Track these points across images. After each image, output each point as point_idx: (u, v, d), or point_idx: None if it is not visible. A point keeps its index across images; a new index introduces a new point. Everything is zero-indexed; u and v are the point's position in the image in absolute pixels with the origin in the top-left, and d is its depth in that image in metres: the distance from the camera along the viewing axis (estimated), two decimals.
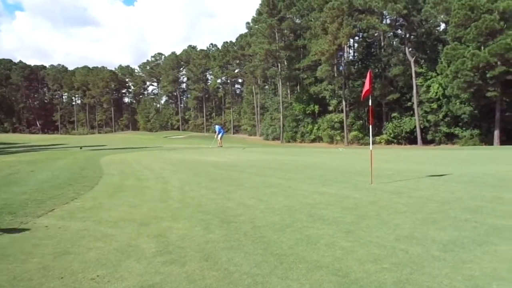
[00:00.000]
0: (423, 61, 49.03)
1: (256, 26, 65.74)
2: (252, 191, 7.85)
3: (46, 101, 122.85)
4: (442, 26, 51.02)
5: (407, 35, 49.94)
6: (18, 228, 5.02)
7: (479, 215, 5.41)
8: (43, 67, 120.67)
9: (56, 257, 3.88)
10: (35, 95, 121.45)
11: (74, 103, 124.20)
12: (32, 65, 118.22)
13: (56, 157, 17.44)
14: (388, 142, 49.42)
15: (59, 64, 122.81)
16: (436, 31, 51.06)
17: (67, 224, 5.18)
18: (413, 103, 46.68)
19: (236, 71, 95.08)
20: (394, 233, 4.62)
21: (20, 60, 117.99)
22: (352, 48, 62.90)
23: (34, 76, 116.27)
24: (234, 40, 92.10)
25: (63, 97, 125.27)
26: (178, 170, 12.22)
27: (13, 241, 4.46)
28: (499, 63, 36.17)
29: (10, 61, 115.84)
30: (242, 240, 4.42)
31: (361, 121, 53.67)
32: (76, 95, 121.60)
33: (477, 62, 36.16)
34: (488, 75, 36.67)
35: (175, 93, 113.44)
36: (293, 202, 6.65)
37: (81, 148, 27.44)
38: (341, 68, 56.26)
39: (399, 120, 49.89)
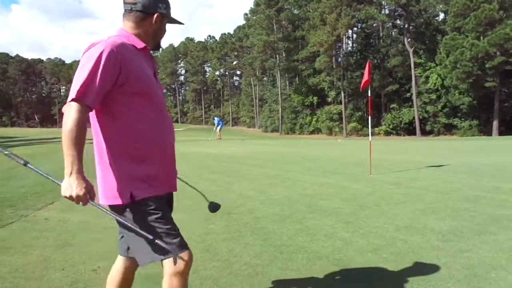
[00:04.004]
0: (422, 51, 48.89)
1: (254, 18, 65.46)
2: (252, 182, 7.88)
3: (44, 94, 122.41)
4: (441, 16, 50.88)
5: (406, 26, 49.74)
6: (18, 221, 5.03)
7: (478, 204, 5.43)
8: (40, 60, 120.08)
9: (57, 249, 3.90)
10: (33, 89, 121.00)
11: None
12: (29, 58, 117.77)
13: (55, 150, 17.43)
14: (387, 133, 49.46)
15: (56, 58, 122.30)
16: (435, 21, 50.85)
17: (67, 217, 5.20)
18: (412, 94, 46.63)
19: (235, 63, 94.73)
20: (394, 223, 4.64)
21: (17, 54, 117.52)
22: (351, 39, 62.70)
23: (31, 69, 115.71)
24: (232, 32, 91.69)
25: (61, 90, 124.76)
26: (177, 162, 12.16)
27: (13, 234, 4.47)
28: (498, 53, 36.10)
29: (7, 55, 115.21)
30: (242, 231, 4.44)
31: (360, 113, 53.64)
32: None
33: (476, 52, 36.08)
34: (487, 66, 36.62)
35: (173, 86, 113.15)
36: (292, 193, 6.67)
37: None
38: (339, 59, 56.09)
39: (398, 111, 49.87)
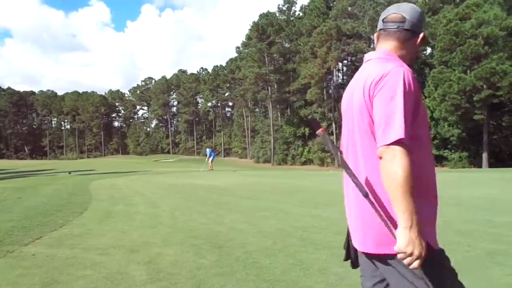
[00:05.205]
0: None
1: (246, 50, 66.66)
2: (244, 215, 7.79)
3: (34, 126, 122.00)
4: (429, 50, 52.15)
5: None
6: (4, 257, 4.89)
7: (471, 238, 5.40)
8: (32, 92, 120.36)
9: (44, 287, 3.78)
10: (24, 121, 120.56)
11: (63, 128, 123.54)
12: (21, 91, 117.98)
13: (44, 183, 17.21)
14: None
15: (48, 90, 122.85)
16: (423, 55, 52.11)
17: (55, 252, 5.07)
18: None
19: (227, 94, 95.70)
20: None
21: (8, 87, 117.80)
22: (341, 71, 63.90)
23: (23, 102, 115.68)
24: (224, 64, 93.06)
25: (52, 122, 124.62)
26: (169, 194, 12.11)
27: None
28: (485, 86, 36.89)
29: None
30: (234, 266, 4.36)
31: None
32: (66, 120, 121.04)
33: (463, 85, 36.84)
34: (474, 99, 37.33)
35: (165, 117, 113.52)
36: (285, 225, 6.60)
37: (70, 173, 27.14)
38: (330, 91, 56.97)
39: None
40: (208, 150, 33.30)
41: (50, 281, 3.95)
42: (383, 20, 1.79)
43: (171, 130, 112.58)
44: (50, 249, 5.24)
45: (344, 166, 1.63)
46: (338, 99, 55.63)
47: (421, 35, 1.76)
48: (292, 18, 64.83)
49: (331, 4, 57.40)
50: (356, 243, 1.73)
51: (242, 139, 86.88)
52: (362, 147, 1.66)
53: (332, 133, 53.83)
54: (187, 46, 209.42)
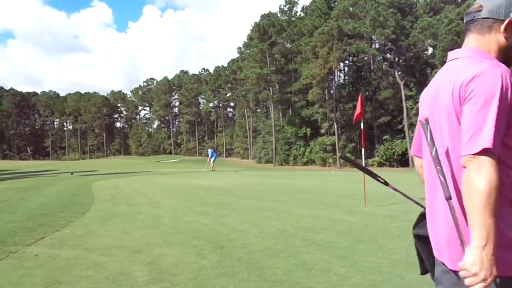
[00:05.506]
0: (412, 84, 49.72)
1: (247, 51, 66.61)
2: (246, 215, 7.80)
3: (37, 127, 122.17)
4: (430, 50, 52.08)
5: (396, 59, 50.81)
6: (6, 257, 4.91)
7: None
8: (35, 93, 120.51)
9: None
10: (26, 122, 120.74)
11: (65, 128, 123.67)
12: (24, 91, 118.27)
13: (46, 184, 17.25)
14: (381, 164, 49.59)
15: (50, 91, 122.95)
16: (424, 55, 52.00)
17: (57, 253, 5.08)
18: (403, 125, 47.12)
19: (228, 95, 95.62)
20: (390, 257, 4.58)
21: (11, 87, 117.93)
22: (343, 71, 63.77)
23: (25, 102, 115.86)
24: (225, 65, 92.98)
25: (55, 123, 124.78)
26: (170, 195, 12.12)
27: (1, 272, 4.35)
28: None
29: (1, 88, 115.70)
30: (236, 266, 4.36)
31: (353, 144, 53.92)
32: (68, 121, 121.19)
33: None
34: None
35: (167, 118, 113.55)
36: (286, 226, 6.60)
37: (72, 173, 27.18)
38: (332, 91, 56.84)
39: (390, 143, 50.20)
40: (210, 150, 33.35)
41: (53, 281, 3.96)
42: (465, 14, 1.60)
43: (173, 130, 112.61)
44: (52, 249, 5.26)
45: (437, 161, 1.49)
46: (340, 99, 55.59)
47: (507, 20, 1.48)
48: (293, 19, 64.75)
49: (333, 5, 57.34)
50: (450, 260, 1.50)
51: (243, 139, 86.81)
52: (453, 153, 1.51)
53: (333, 133, 53.77)
54: (188, 47, 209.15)
